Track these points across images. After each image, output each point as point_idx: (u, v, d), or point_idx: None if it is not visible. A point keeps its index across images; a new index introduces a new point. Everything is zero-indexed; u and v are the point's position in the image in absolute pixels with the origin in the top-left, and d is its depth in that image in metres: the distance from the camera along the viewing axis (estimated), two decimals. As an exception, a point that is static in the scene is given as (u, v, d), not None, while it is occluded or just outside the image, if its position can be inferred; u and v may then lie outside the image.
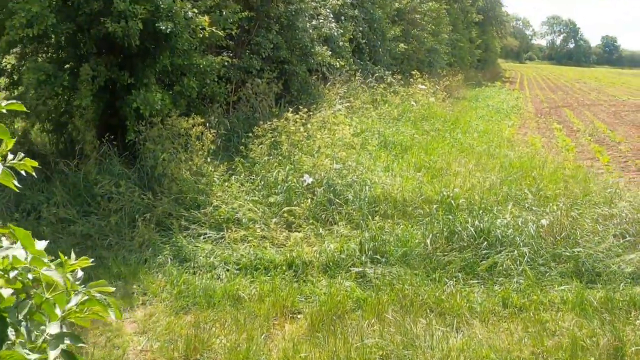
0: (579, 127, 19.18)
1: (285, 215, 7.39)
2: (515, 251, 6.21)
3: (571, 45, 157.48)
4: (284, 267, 6.10)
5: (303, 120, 9.32)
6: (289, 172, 8.30)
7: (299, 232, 7.14)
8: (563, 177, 9.34)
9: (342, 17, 16.00)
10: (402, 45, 20.29)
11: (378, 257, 6.26)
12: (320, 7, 14.02)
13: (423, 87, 16.78)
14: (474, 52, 42.10)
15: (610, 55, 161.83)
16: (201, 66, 9.24)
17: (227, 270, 6.05)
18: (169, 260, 6.21)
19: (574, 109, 26.62)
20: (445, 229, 6.66)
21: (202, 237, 6.85)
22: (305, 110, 9.95)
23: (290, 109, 9.62)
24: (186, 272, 5.95)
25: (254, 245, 6.59)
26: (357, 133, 11.31)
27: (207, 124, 8.95)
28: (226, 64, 10.53)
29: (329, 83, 13.47)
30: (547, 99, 31.97)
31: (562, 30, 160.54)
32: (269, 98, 11.68)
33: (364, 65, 16.47)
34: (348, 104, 12.63)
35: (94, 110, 8.31)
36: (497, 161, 10.55)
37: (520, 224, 6.74)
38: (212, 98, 10.72)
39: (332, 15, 14.24)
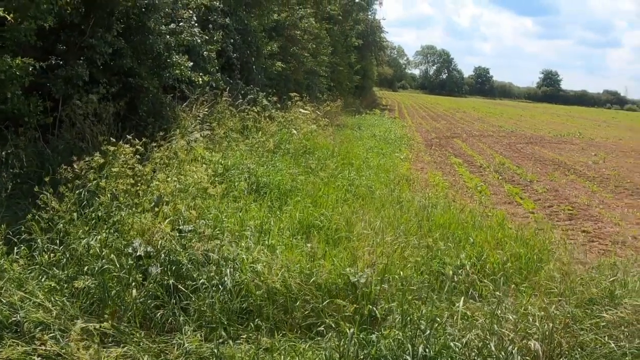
0: (481, 162, 18.03)
1: (99, 313, 4.59)
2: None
3: (444, 76, 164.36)
4: None
5: (138, 156, 6.46)
6: (108, 238, 5.44)
7: (119, 345, 4.38)
8: (511, 238, 7.27)
9: (210, 25, 13.23)
10: (279, 63, 17.80)
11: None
12: (181, 8, 11.16)
13: (305, 111, 14.32)
14: (352, 78, 40.69)
15: (482, 86, 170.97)
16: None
17: None
18: None
19: (464, 140, 25.79)
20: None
21: None
22: (148, 141, 7.13)
23: (130, 136, 6.76)
24: None
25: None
26: (221, 172, 8.57)
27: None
28: (37, 71, 7.52)
29: (186, 103, 10.62)
30: (433, 129, 31.12)
31: (436, 60, 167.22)
32: (105, 121, 8.72)
33: (234, 84, 13.72)
34: (208, 132, 9.81)
35: None
36: (409, 213, 8.24)
37: (491, 347, 4.24)
38: (17, 119, 7.68)
39: (195, 19, 11.40)
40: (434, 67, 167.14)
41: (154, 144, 7.56)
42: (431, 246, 6.35)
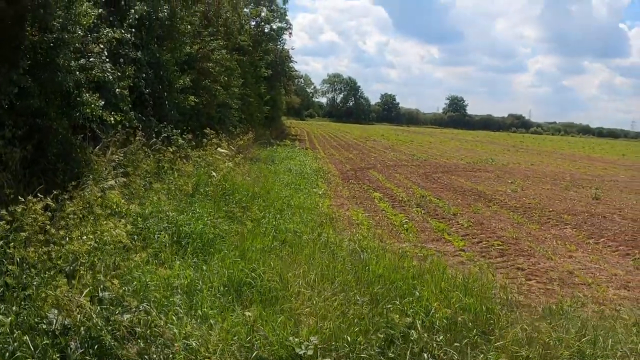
0: (402, 196, 18.04)
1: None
2: None
3: (351, 103, 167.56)
4: None
5: (49, 213, 5.82)
6: (20, 313, 4.81)
7: None
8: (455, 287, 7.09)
9: (121, 59, 12.58)
10: (192, 98, 17.23)
11: None
12: (92, 42, 10.48)
13: (223, 151, 13.82)
14: (262, 109, 40.41)
15: (389, 112, 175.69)
16: None
17: None
18: None
19: (380, 171, 25.96)
20: None
21: None
22: (59, 192, 6.49)
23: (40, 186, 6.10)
24: None
25: None
26: (142, 219, 7.99)
27: None
28: None
29: (99, 145, 9.92)
30: (347, 159, 31.22)
31: (343, 88, 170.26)
32: (10, 168, 7.94)
33: (146, 122, 13.07)
34: (124, 178, 9.16)
35: None
36: (343, 263, 7.98)
37: None
38: None
39: (106, 53, 10.74)
40: (341, 95, 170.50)
41: (65, 195, 6.91)
42: (374, 301, 6.10)
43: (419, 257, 9.29)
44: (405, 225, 12.91)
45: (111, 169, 9.11)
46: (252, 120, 33.99)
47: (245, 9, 36.63)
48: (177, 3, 16.85)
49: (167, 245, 7.69)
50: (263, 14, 42.08)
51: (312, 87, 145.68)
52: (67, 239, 5.89)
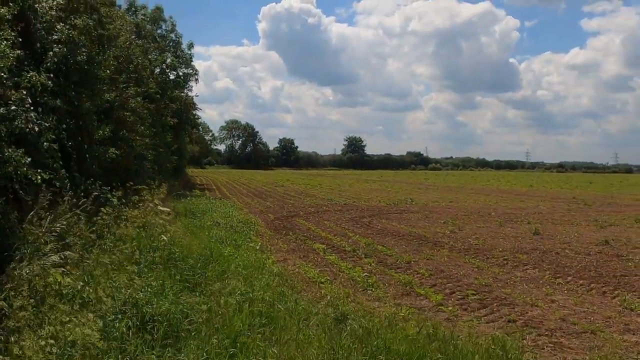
0: (344, 245, 17.12)
1: None
2: None
3: (250, 149, 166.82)
4: None
5: None
6: None
7: None
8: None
9: (40, 108, 10.85)
10: (112, 150, 15.50)
11: None
12: (11, 87, 8.77)
13: (164, 209, 12.19)
14: (171, 159, 38.42)
15: (288, 157, 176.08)
16: None
17: None
18: None
19: (306, 219, 24.98)
20: None
21: None
22: None
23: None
24: None
25: None
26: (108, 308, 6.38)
27: None
28: None
29: (32, 212, 8.13)
30: (266, 208, 29.99)
31: (241, 134, 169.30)
32: None
33: (71, 178, 11.28)
34: (68, 251, 7.46)
35: None
36: (344, 339, 6.77)
37: None
38: None
39: (30, 101, 9.05)
40: (240, 141, 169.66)
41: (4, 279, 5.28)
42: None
43: (418, 322, 8.25)
44: (369, 280, 11.90)
45: (50, 240, 7.39)
46: (163, 172, 32.03)
47: (149, 56, 34.87)
48: (94, 46, 15.24)
49: (130, 333, 6.15)
50: (168, 61, 40.40)
51: (211, 134, 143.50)
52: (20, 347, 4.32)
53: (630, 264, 14.77)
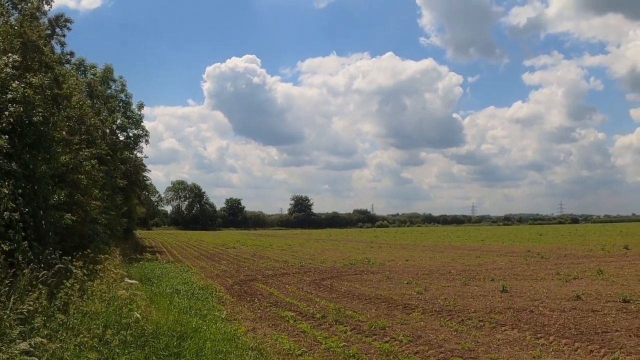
0: (312, 311, 16.35)
1: None
2: None
3: (196, 210, 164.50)
4: None
5: None
6: None
7: None
8: None
9: (-5, 173, 10.01)
10: (68, 215, 14.56)
11: None
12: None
13: (132, 282, 11.27)
14: (121, 222, 37.06)
15: (235, 217, 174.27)
16: None
17: None
18: None
19: (266, 283, 24.18)
20: None
21: None
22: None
23: None
24: None
25: None
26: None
27: None
28: None
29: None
30: (222, 272, 29.17)
31: (187, 195, 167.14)
32: None
33: (30, 248, 10.34)
34: (39, 337, 6.56)
35: None
36: None
37: None
38: None
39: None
40: (186, 202, 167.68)
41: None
42: None
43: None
44: (348, 351, 11.21)
45: (17, 324, 6.49)
46: (114, 235, 30.75)
47: (99, 116, 33.96)
48: (49, 106, 14.47)
49: None
50: (119, 121, 39.50)
51: (157, 195, 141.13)
52: None
53: (608, 319, 14.55)
